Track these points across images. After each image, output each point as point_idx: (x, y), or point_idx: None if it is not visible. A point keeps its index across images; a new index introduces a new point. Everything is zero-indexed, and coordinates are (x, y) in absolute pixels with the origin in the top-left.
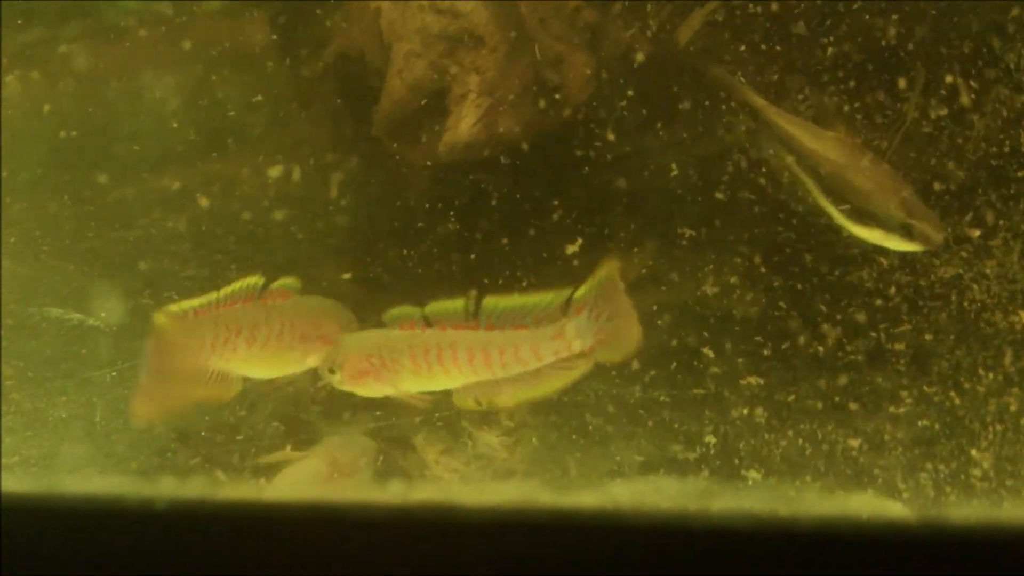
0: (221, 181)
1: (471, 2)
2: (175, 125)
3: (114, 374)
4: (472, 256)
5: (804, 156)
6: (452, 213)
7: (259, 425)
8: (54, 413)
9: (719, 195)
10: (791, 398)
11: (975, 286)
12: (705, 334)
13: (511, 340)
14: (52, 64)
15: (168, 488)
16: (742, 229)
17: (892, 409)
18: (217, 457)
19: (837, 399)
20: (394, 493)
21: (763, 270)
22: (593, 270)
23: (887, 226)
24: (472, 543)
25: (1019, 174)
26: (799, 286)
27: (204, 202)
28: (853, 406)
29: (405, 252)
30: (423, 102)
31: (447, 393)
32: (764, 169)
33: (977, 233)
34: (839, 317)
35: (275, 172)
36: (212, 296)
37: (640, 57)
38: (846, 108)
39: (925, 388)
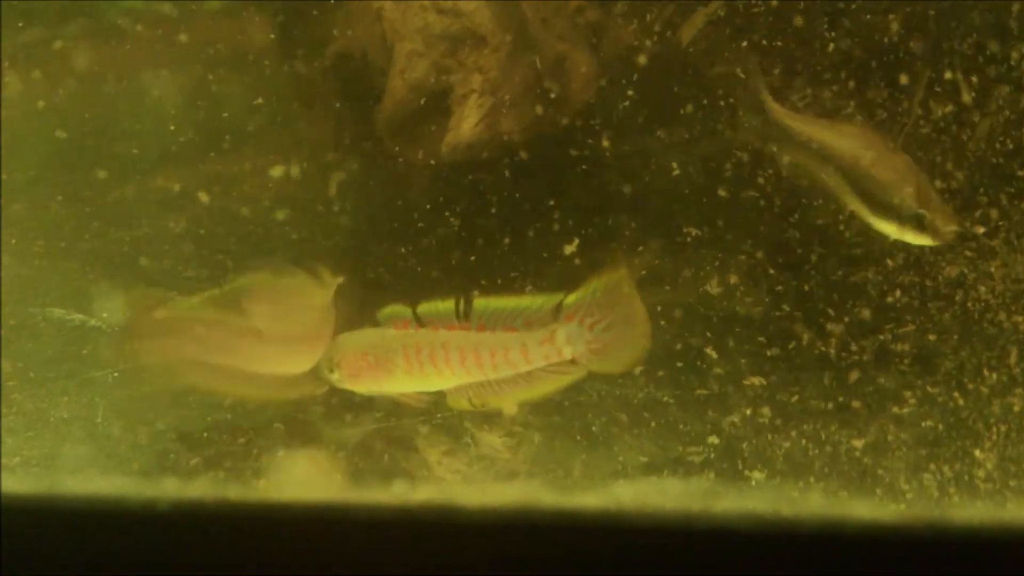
0: (222, 181)
1: (473, 2)
2: (176, 125)
3: (116, 374)
4: (475, 256)
5: (826, 153)
6: (455, 213)
7: (260, 426)
8: (55, 414)
9: (722, 194)
10: (795, 398)
11: (980, 286)
12: (708, 334)
13: (501, 342)
14: (52, 64)
15: (169, 489)
16: (746, 229)
17: (896, 410)
18: (218, 458)
19: (841, 399)
20: (396, 494)
21: (767, 270)
22: (595, 273)
23: (902, 218)
24: (475, 544)
25: (1022, 173)
26: (803, 286)
27: (205, 202)
28: (857, 406)
29: (406, 252)
30: (425, 102)
31: (444, 394)
32: (770, 170)
33: (982, 230)
34: (843, 317)
35: (276, 172)
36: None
37: (643, 57)
38: (855, 103)
39: (929, 389)
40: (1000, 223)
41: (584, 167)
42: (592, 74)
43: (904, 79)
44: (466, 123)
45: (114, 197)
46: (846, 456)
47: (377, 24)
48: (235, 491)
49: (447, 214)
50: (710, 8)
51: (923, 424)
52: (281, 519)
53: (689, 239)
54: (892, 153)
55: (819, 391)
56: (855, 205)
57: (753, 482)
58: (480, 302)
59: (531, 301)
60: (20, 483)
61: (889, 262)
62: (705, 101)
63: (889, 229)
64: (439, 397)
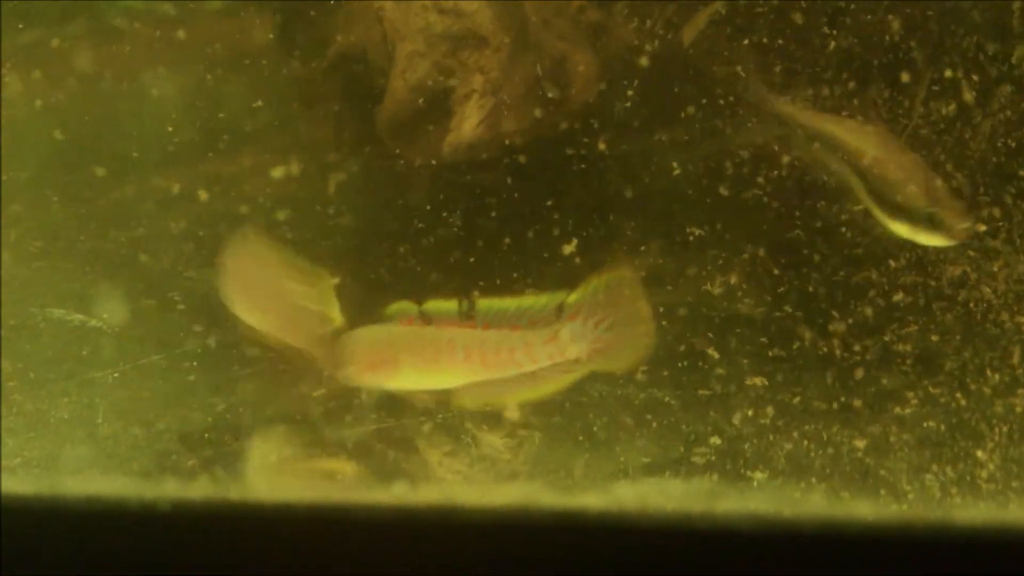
0: (222, 181)
1: (475, 2)
2: (176, 125)
3: (116, 375)
4: (475, 257)
5: (844, 153)
6: (455, 213)
7: (260, 426)
8: (56, 414)
9: (725, 194)
10: (797, 399)
11: (982, 286)
12: (710, 335)
13: (506, 341)
14: (52, 64)
15: (170, 489)
16: (748, 228)
17: (898, 410)
18: (218, 458)
19: (843, 400)
20: (397, 494)
21: (769, 270)
22: (596, 273)
23: (914, 217)
24: (476, 544)
25: None
26: (805, 287)
27: (205, 202)
28: (859, 407)
29: (406, 252)
30: (426, 102)
31: (449, 394)
32: (772, 170)
33: (984, 229)
34: (845, 318)
35: (277, 172)
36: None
37: (644, 57)
38: (861, 100)
39: (931, 389)
40: (1002, 223)
41: (585, 167)
42: (593, 74)
43: (905, 78)
44: (467, 123)
45: (114, 197)
46: (848, 457)
47: (378, 24)
48: (235, 491)
49: (447, 214)
50: (712, 8)
51: (925, 425)
52: (281, 519)
53: (691, 239)
54: (901, 151)
55: (821, 391)
56: (867, 203)
57: (755, 483)
58: (484, 302)
59: (534, 300)
60: (20, 484)
61: (892, 262)
62: (705, 101)
63: (901, 229)
64: (444, 396)
